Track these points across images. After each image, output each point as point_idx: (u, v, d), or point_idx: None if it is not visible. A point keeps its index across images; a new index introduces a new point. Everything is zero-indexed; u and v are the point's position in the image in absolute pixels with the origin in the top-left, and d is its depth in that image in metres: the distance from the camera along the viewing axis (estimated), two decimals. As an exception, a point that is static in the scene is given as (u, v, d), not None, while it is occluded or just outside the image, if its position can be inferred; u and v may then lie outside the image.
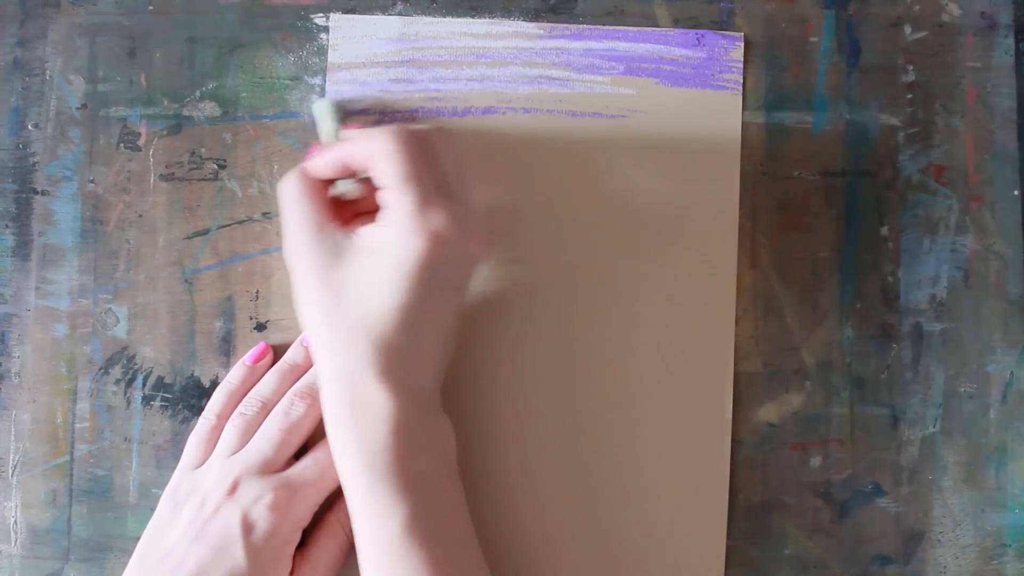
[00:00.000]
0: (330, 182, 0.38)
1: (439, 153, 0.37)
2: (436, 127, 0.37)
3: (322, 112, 0.41)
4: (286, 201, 0.38)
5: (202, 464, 0.40)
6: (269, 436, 0.39)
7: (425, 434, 0.36)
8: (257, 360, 0.42)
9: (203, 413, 0.41)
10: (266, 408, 0.40)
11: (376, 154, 0.35)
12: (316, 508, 0.39)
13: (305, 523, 0.38)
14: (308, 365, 0.41)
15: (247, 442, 0.40)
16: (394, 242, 0.35)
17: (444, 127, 0.38)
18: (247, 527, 0.37)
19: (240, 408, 0.40)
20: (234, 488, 0.37)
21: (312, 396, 0.40)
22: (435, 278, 0.35)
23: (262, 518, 0.37)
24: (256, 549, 0.36)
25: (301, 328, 0.40)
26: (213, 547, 0.36)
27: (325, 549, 0.39)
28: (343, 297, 0.35)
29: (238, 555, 0.36)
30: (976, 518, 0.44)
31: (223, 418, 0.41)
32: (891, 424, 0.44)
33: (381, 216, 0.36)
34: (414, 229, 0.34)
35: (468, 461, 0.43)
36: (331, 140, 0.40)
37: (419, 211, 0.34)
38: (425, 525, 0.34)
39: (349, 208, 0.39)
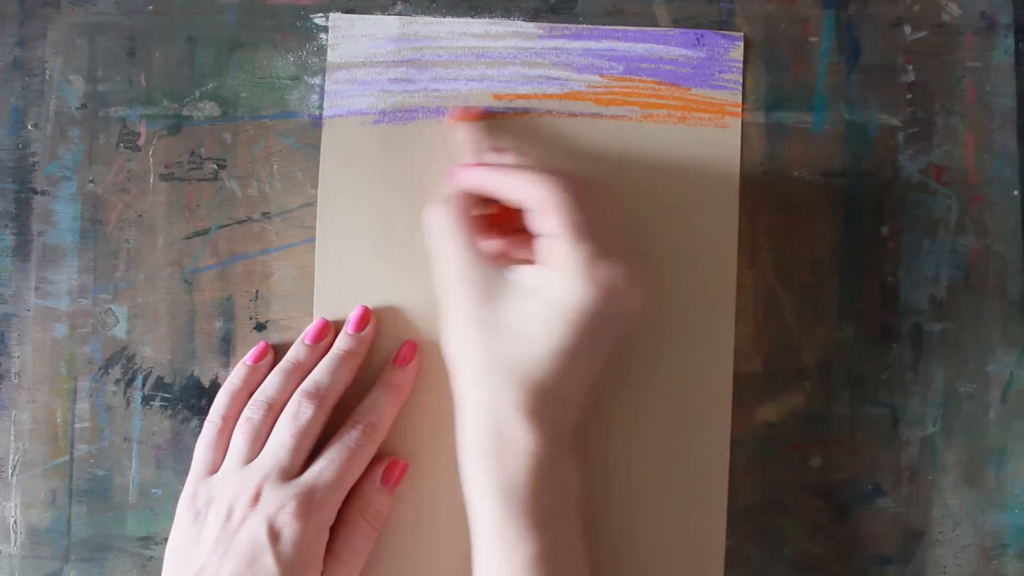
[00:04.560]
0: (476, 204, 0.39)
1: (602, 204, 0.37)
2: (594, 180, 0.38)
3: (470, 131, 0.41)
4: (438, 232, 0.38)
5: (215, 470, 0.40)
6: (282, 442, 0.39)
7: (560, 473, 0.37)
8: (258, 359, 0.42)
9: (208, 416, 0.41)
10: (273, 410, 0.40)
11: (542, 202, 0.36)
12: (338, 506, 0.39)
13: (330, 523, 0.39)
14: (311, 363, 0.41)
15: (259, 448, 0.40)
16: (561, 288, 0.35)
17: (600, 182, 0.38)
18: (274, 536, 0.37)
19: (247, 412, 0.40)
20: (256, 498, 0.38)
21: (319, 396, 0.40)
22: (597, 328, 0.35)
23: (288, 526, 0.37)
24: (286, 556, 0.37)
25: (448, 360, 0.39)
26: (244, 559, 0.36)
27: (351, 544, 0.39)
28: (498, 334, 0.36)
29: (269, 564, 0.36)
30: (976, 518, 0.44)
31: (229, 420, 0.41)
32: (891, 424, 0.44)
33: (545, 259, 0.36)
34: (586, 280, 0.35)
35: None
36: (476, 159, 0.40)
37: (592, 263, 0.35)
38: (550, 562, 0.35)
39: (483, 224, 0.39)
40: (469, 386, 0.37)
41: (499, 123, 0.43)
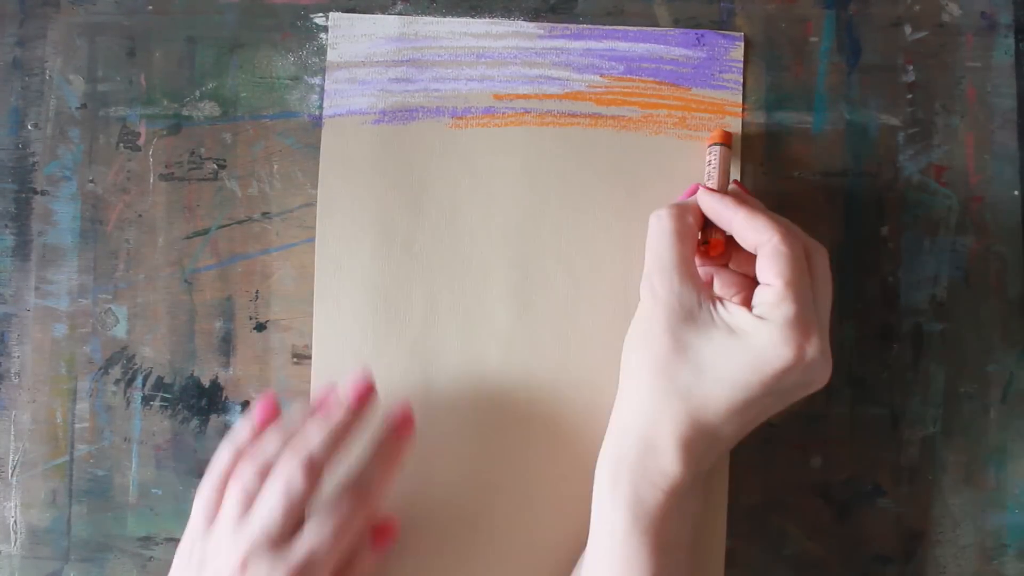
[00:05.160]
0: (701, 226, 0.39)
1: (826, 274, 0.37)
2: (823, 248, 0.38)
3: (722, 156, 0.41)
4: (659, 234, 0.38)
5: (210, 524, 0.38)
6: (272, 511, 0.37)
7: (689, 504, 0.37)
8: (265, 421, 0.40)
9: (209, 469, 0.39)
10: (266, 473, 0.38)
11: (778, 252, 0.36)
12: (331, 571, 0.38)
13: None
14: (312, 429, 0.39)
15: (249, 508, 0.38)
16: (764, 341, 0.35)
17: (824, 249, 0.38)
18: None
19: (241, 472, 0.38)
20: (244, 567, 0.36)
21: (313, 468, 0.37)
22: (779, 390, 0.36)
23: None
24: None
25: (618, 359, 0.39)
26: None
27: None
28: (686, 359, 0.36)
29: None
30: (976, 518, 0.44)
31: (228, 476, 0.39)
32: (891, 424, 0.44)
33: (757, 307, 0.36)
34: (790, 341, 0.35)
35: (465, 458, 0.43)
36: (720, 186, 0.41)
37: (800, 327, 0.35)
38: None
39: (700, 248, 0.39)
40: (633, 394, 0.37)
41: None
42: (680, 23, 0.44)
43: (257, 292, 0.44)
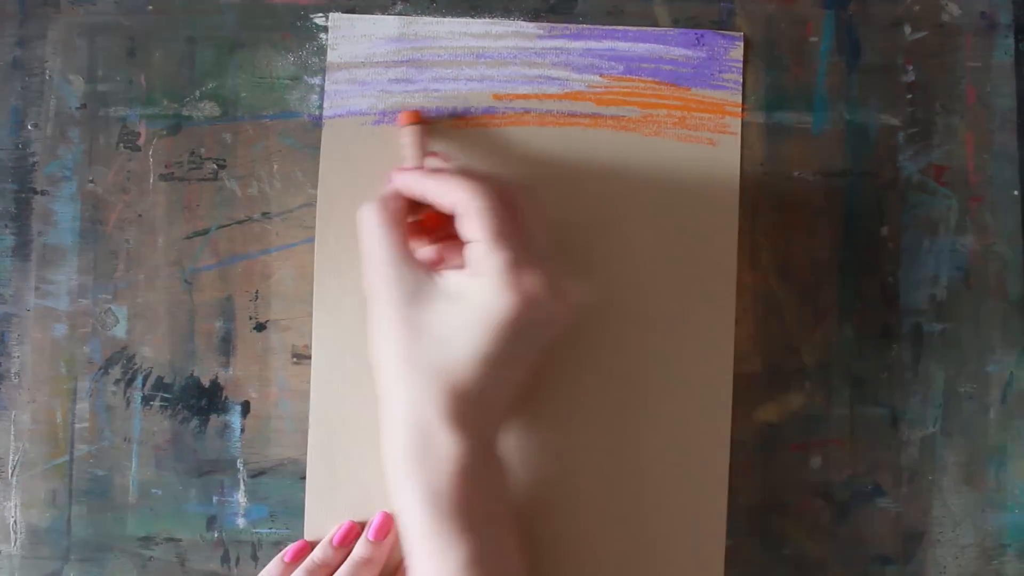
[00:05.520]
0: (410, 210, 0.39)
1: (525, 211, 0.37)
2: (522, 186, 0.38)
3: (413, 135, 0.41)
4: (367, 231, 0.38)
5: None
6: None
7: (487, 476, 0.36)
8: (295, 558, 0.42)
9: None
10: None
11: (466, 207, 0.36)
12: None
13: None
14: (336, 564, 0.41)
15: None
16: (483, 295, 0.35)
17: (529, 186, 0.38)
18: None
19: None
20: None
21: None
22: (519, 335, 0.35)
23: None
24: None
25: (373, 361, 0.38)
26: None
27: None
28: (422, 338, 0.36)
29: None
30: (976, 518, 0.44)
31: None
32: (891, 424, 0.44)
33: (468, 266, 0.36)
34: (507, 286, 0.35)
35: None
36: (416, 164, 0.41)
37: (512, 270, 0.35)
38: (483, 565, 0.35)
39: (417, 228, 0.39)
40: (393, 387, 0.37)
41: (488, 132, 0.43)
42: (680, 23, 0.44)
43: (257, 292, 0.44)
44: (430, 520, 0.35)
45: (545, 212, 0.38)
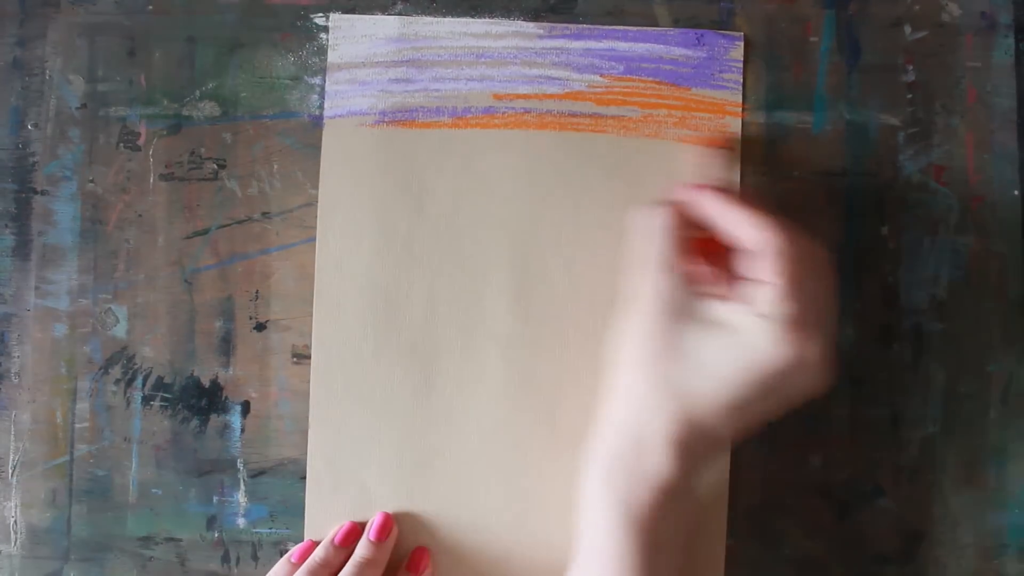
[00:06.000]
0: (690, 225, 0.38)
1: (821, 272, 0.36)
2: (822, 248, 0.37)
3: (722, 159, 0.41)
4: (648, 232, 0.37)
5: None
6: None
7: (681, 505, 0.36)
8: (301, 558, 0.42)
9: None
10: None
11: (769, 248, 0.35)
12: None
13: None
14: (338, 564, 0.41)
15: None
16: (759, 339, 0.34)
17: (826, 251, 0.37)
18: None
19: None
20: None
21: None
22: (775, 391, 0.35)
23: None
24: None
25: (608, 356, 0.38)
26: None
27: None
28: (676, 356, 0.35)
29: None
30: (976, 518, 0.44)
31: None
32: (891, 424, 0.44)
33: (751, 302, 0.35)
34: (787, 341, 0.34)
35: (464, 458, 0.43)
36: (706, 183, 0.40)
37: (798, 327, 0.34)
38: None
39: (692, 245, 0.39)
40: (623, 393, 0.37)
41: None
42: (680, 23, 0.44)
43: (257, 292, 0.44)
44: (619, 525, 0.35)
45: (831, 280, 0.37)
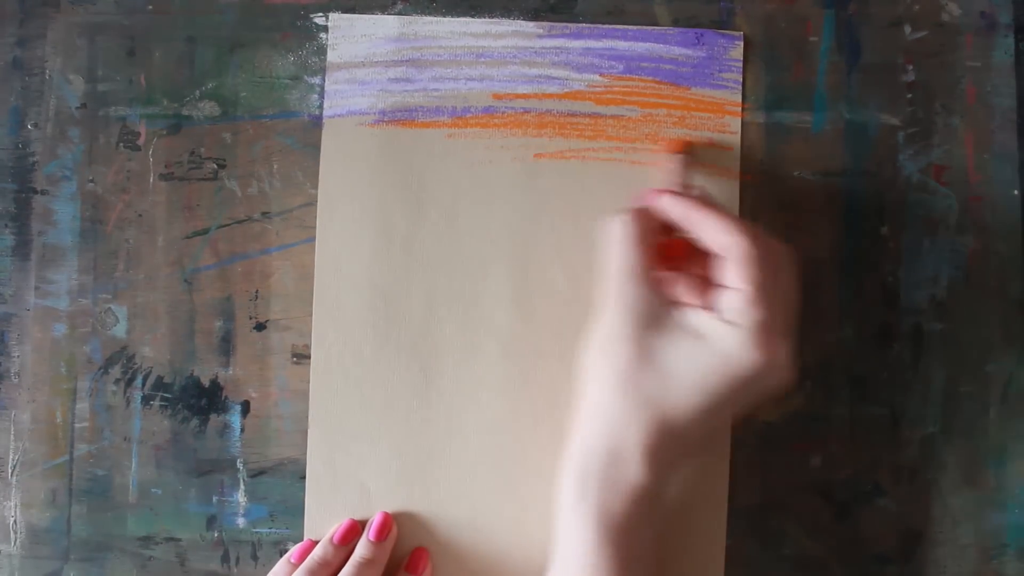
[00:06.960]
0: (659, 231, 0.38)
1: (788, 275, 0.37)
2: (786, 246, 0.37)
3: (680, 163, 0.41)
4: (616, 241, 0.37)
5: None
6: None
7: (656, 512, 0.37)
8: (300, 559, 0.42)
9: None
10: None
11: (736, 253, 0.35)
12: None
13: None
14: (337, 563, 0.41)
15: None
16: (728, 345, 0.35)
17: (790, 248, 0.37)
18: None
19: None
20: None
21: None
22: (744, 393, 0.35)
23: None
24: None
25: (577, 366, 0.38)
26: None
27: None
28: (649, 364, 0.36)
29: None
30: (976, 518, 0.44)
31: None
32: (891, 424, 0.44)
33: (719, 311, 0.35)
34: (756, 346, 0.34)
35: (462, 457, 0.43)
36: (678, 189, 0.40)
37: (766, 331, 0.35)
38: None
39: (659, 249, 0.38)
40: (595, 402, 0.37)
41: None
42: (680, 22, 0.44)
43: (257, 292, 0.44)
44: (594, 538, 0.35)
45: (798, 278, 0.37)
